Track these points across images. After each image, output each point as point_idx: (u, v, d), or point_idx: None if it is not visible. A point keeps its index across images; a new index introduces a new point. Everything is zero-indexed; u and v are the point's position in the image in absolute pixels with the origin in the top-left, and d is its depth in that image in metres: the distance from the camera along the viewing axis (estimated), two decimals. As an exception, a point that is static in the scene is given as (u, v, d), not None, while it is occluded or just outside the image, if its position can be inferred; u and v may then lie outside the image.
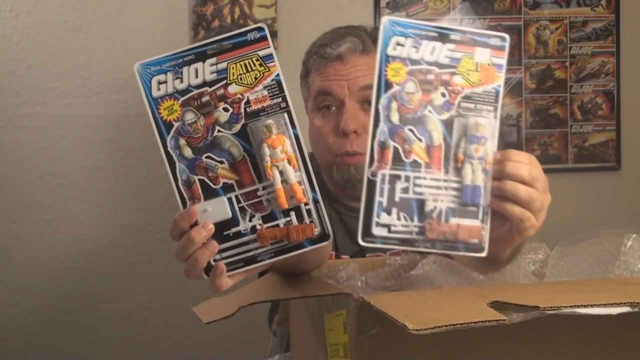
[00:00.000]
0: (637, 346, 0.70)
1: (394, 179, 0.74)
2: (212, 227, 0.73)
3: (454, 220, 0.74)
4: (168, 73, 0.75)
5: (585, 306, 0.62)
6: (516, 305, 0.62)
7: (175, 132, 0.75)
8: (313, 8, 1.72)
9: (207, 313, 0.75)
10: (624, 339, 0.70)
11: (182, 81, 0.75)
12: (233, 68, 0.74)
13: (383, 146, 0.74)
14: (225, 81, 0.74)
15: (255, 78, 0.74)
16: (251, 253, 0.74)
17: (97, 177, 1.71)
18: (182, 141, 0.74)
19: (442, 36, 0.76)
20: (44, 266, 1.70)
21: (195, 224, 0.73)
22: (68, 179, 1.70)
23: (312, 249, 0.74)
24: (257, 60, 0.74)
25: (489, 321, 0.58)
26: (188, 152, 0.74)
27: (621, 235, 0.87)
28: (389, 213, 0.74)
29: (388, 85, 0.75)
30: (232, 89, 0.74)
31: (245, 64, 0.74)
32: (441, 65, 0.76)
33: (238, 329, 1.70)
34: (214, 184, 0.74)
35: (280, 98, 0.74)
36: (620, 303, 0.63)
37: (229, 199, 0.74)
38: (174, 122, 0.75)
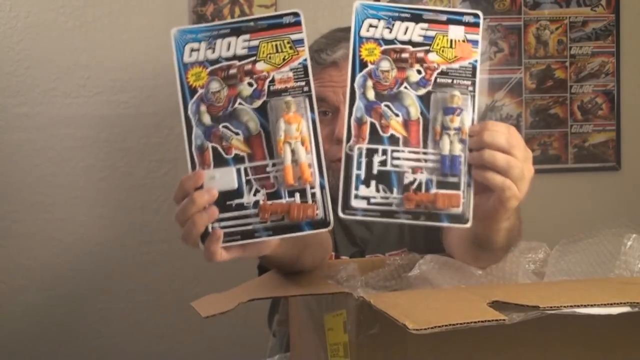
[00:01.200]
0: (637, 346, 0.70)
1: (372, 152, 0.75)
2: (215, 193, 0.74)
3: (434, 191, 0.75)
4: (202, 42, 0.77)
5: (585, 306, 0.62)
6: (516, 305, 0.62)
7: (198, 98, 0.76)
8: (313, 8, 1.72)
9: (206, 308, 0.75)
10: (624, 339, 0.70)
11: (213, 51, 0.77)
12: (264, 47, 0.77)
13: (360, 122, 0.76)
14: (254, 58, 0.76)
15: (284, 59, 0.76)
16: (250, 227, 0.74)
17: (97, 177, 1.71)
18: (203, 108, 0.76)
19: (415, 16, 0.78)
20: (44, 266, 1.70)
21: (201, 188, 0.74)
22: (68, 179, 1.70)
23: (310, 234, 0.75)
24: (288, 42, 0.77)
25: (489, 321, 0.58)
26: (207, 119, 0.76)
27: (621, 235, 0.87)
28: (367, 185, 0.75)
29: (362, 65, 0.76)
30: (260, 66, 0.76)
31: (276, 45, 0.77)
32: (415, 44, 0.77)
33: (238, 329, 1.70)
34: (226, 154, 0.76)
35: (304, 82, 0.76)
36: (620, 303, 0.63)
37: (238, 170, 0.75)
38: (198, 89, 0.77)
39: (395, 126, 0.76)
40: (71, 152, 1.69)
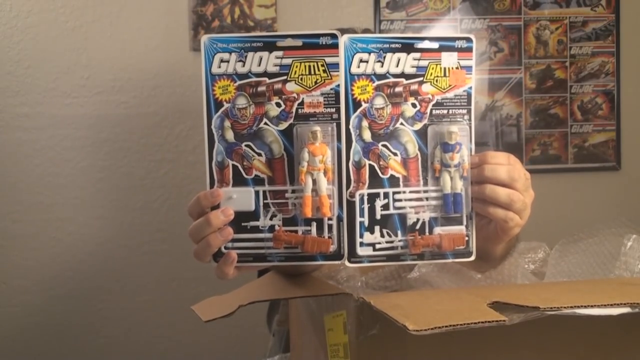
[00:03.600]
0: (638, 347, 0.70)
1: (373, 197, 0.74)
2: (231, 214, 0.73)
3: (437, 230, 0.74)
4: (232, 53, 0.74)
5: (585, 307, 0.62)
6: (516, 306, 0.62)
7: (223, 113, 0.74)
8: (313, 8, 1.72)
9: (207, 311, 0.75)
10: (624, 340, 0.70)
11: (244, 65, 0.74)
12: (297, 66, 0.73)
13: (358, 166, 0.74)
14: (285, 77, 0.74)
15: (316, 82, 0.73)
16: (263, 251, 0.74)
17: (97, 177, 1.71)
18: (227, 123, 0.74)
19: (406, 46, 0.75)
20: (44, 266, 1.70)
21: (217, 207, 0.73)
22: (68, 179, 1.70)
23: (322, 264, 0.75)
24: (322, 65, 0.73)
25: (489, 321, 0.58)
26: (230, 136, 0.74)
27: (621, 235, 0.87)
28: (371, 232, 0.74)
29: (356, 104, 0.74)
30: (290, 86, 0.74)
31: (309, 66, 0.73)
32: (408, 76, 0.75)
33: (238, 329, 1.70)
34: (246, 174, 0.74)
35: (334, 109, 0.73)
36: (620, 304, 0.63)
37: (257, 192, 0.74)
38: (224, 103, 0.74)
39: (395, 166, 0.74)
40: (71, 152, 1.69)
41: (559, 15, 1.81)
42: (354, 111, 0.74)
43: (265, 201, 0.74)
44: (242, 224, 0.74)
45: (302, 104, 0.73)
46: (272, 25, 1.69)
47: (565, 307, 0.61)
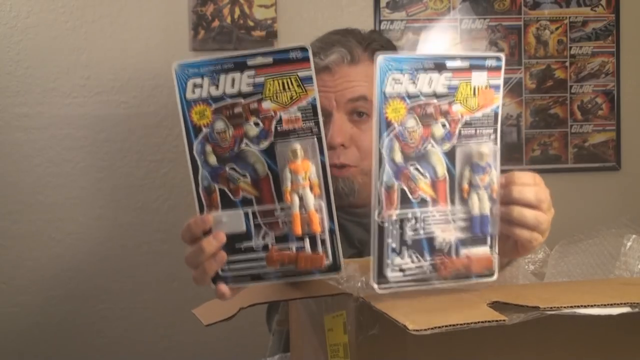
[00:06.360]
0: (637, 346, 0.70)
1: (403, 220, 0.73)
2: (223, 238, 0.73)
3: (464, 251, 0.74)
4: (205, 77, 0.73)
5: (585, 307, 0.62)
6: (516, 306, 0.62)
7: (203, 138, 0.74)
8: (313, 8, 1.72)
9: (208, 315, 0.75)
10: (624, 340, 0.70)
11: (217, 88, 0.73)
12: (270, 84, 0.73)
13: (389, 188, 0.72)
14: (260, 96, 0.73)
15: (291, 98, 0.73)
16: (259, 271, 0.74)
17: (97, 177, 1.71)
18: (209, 148, 0.74)
19: (438, 65, 0.74)
20: (44, 266, 1.70)
21: (209, 231, 0.74)
22: (68, 179, 1.70)
23: (320, 278, 0.74)
24: (295, 80, 0.73)
25: (489, 321, 0.58)
26: (213, 160, 0.74)
27: (621, 235, 0.87)
28: (400, 255, 0.72)
29: (389, 125, 0.72)
30: (266, 105, 0.73)
31: (283, 82, 0.73)
32: (439, 96, 0.74)
33: (238, 329, 1.70)
34: (234, 196, 0.74)
35: (313, 122, 0.73)
36: (620, 303, 0.63)
37: (246, 214, 0.73)
38: (203, 128, 0.74)
39: (424, 188, 0.73)
40: (71, 152, 1.69)
41: (559, 15, 1.81)
42: (386, 132, 0.72)
43: (256, 221, 0.73)
44: (236, 245, 0.74)
45: (280, 121, 0.73)
46: (272, 25, 1.69)
47: (565, 307, 0.61)
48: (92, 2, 1.68)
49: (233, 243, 0.74)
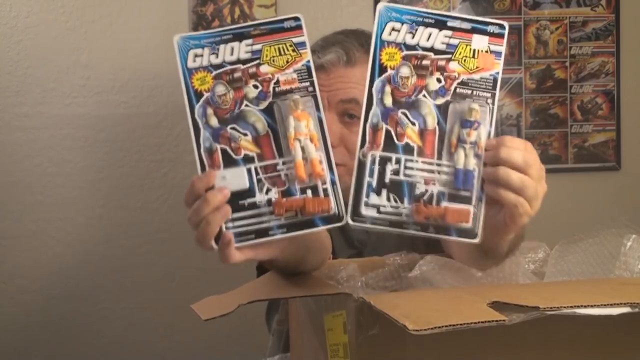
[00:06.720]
0: (638, 347, 0.70)
1: (385, 160, 0.74)
2: (227, 192, 0.74)
3: (444, 204, 0.74)
4: (205, 48, 0.77)
5: (585, 306, 0.62)
6: (516, 306, 0.62)
7: (205, 102, 0.77)
8: (313, 8, 1.72)
9: (206, 310, 0.75)
10: (624, 340, 0.70)
11: (217, 57, 0.77)
12: (267, 50, 0.77)
13: (375, 128, 0.75)
14: (258, 61, 0.77)
15: (287, 62, 0.77)
16: (264, 225, 0.75)
17: (97, 177, 1.71)
18: (210, 110, 0.76)
19: (439, 22, 0.76)
20: (44, 266, 1.70)
21: (212, 189, 0.74)
22: (68, 179, 1.70)
23: (323, 229, 0.75)
24: (290, 46, 0.78)
25: (489, 321, 0.58)
26: (214, 122, 0.76)
27: (621, 235, 0.87)
28: (378, 194, 0.74)
29: (382, 69, 0.75)
30: (264, 68, 0.77)
31: (279, 48, 0.77)
32: (437, 51, 0.76)
33: (238, 329, 1.70)
34: (236, 154, 0.76)
35: (309, 82, 0.77)
36: (620, 303, 0.63)
37: (248, 170, 0.75)
38: (204, 92, 0.77)
39: (411, 135, 0.75)
40: (71, 152, 1.69)
41: (559, 15, 1.81)
42: (379, 75, 0.75)
43: (258, 177, 0.75)
44: (240, 202, 0.75)
45: (277, 82, 0.77)
46: (272, 25, 1.69)
47: (565, 307, 0.61)
48: (92, 2, 1.68)
49: (236, 200, 0.75)
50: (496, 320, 0.59)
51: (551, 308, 0.61)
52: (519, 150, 0.75)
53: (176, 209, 1.70)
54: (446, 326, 0.57)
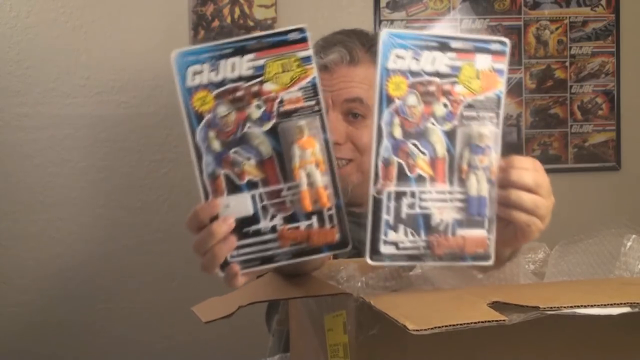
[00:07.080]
0: (638, 347, 0.70)
1: (400, 195, 0.73)
2: (232, 223, 0.72)
3: (460, 232, 0.74)
4: (204, 64, 0.74)
5: (585, 306, 0.62)
6: (516, 306, 0.62)
7: (206, 125, 0.73)
8: (313, 8, 1.72)
9: (207, 312, 0.75)
10: (624, 340, 0.70)
11: (217, 73, 0.74)
12: (270, 66, 0.73)
13: (387, 163, 0.73)
14: (261, 78, 0.73)
15: (292, 79, 0.73)
16: (269, 252, 0.73)
17: (97, 177, 1.71)
18: (212, 134, 0.73)
19: (442, 45, 0.74)
20: (44, 266, 1.70)
21: (216, 218, 0.73)
22: (68, 179, 1.70)
23: (329, 254, 0.74)
24: (295, 61, 0.73)
25: (489, 321, 0.58)
26: (216, 145, 0.73)
27: (621, 235, 0.87)
28: (395, 230, 0.73)
29: (389, 100, 0.73)
30: (267, 87, 0.73)
31: (282, 64, 0.73)
32: (442, 75, 0.75)
33: (238, 329, 1.70)
34: (239, 180, 0.73)
35: (315, 101, 0.73)
36: (621, 303, 0.63)
37: (252, 196, 0.73)
38: (205, 114, 0.73)
39: (422, 165, 0.74)
40: (71, 152, 1.69)
41: (559, 15, 1.81)
42: (387, 107, 0.73)
43: (263, 203, 0.73)
44: (244, 230, 0.73)
45: (282, 102, 0.73)
46: (272, 26, 1.69)
47: (565, 307, 0.61)
48: (92, 2, 1.68)
49: (241, 227, 0.73)
50: (496, 321, 0.59)
51: (551, 308, 0.61)
52: (528, 171, 0.75)
53: (176, 209, 1.70)
54: (446, 326, 0.57)
